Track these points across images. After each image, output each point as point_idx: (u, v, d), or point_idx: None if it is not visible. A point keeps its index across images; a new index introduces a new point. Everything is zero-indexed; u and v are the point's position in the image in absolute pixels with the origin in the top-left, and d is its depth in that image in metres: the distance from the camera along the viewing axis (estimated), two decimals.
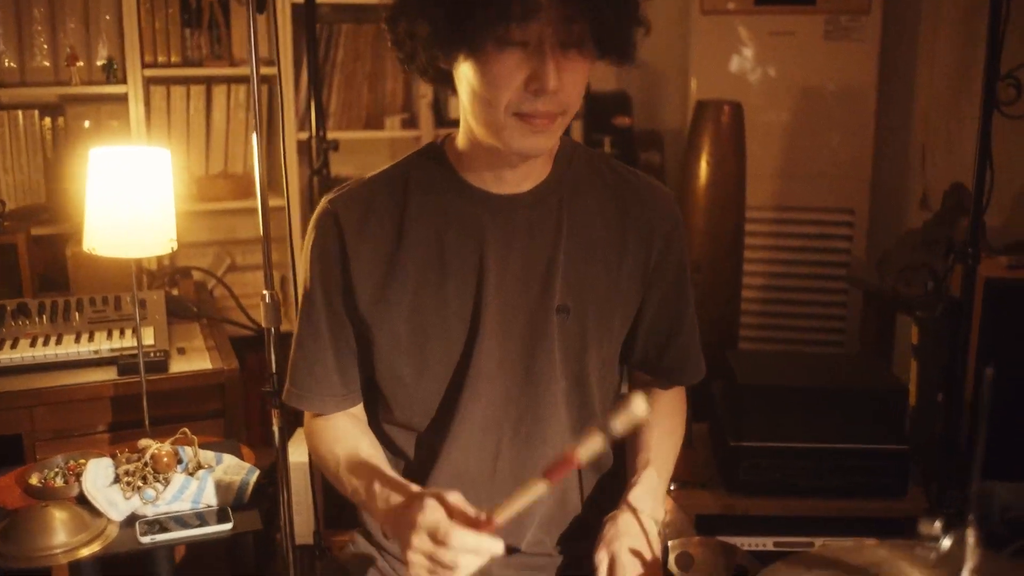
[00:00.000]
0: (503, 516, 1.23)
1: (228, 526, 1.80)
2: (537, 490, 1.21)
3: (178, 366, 2.32)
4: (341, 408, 1.48)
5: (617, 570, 1.30)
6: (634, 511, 1.38)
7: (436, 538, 1.19)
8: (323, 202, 1.43)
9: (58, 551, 1.73)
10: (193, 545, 2.06)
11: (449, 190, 1.40)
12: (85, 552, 1.73)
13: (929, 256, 3.10)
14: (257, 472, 1.94)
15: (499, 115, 1.25)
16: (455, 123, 3.51)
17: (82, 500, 1.85)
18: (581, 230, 1.41)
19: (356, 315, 1.40)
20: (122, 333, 2.39)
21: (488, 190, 1.39)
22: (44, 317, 2.42)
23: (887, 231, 3.72)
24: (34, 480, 1.92)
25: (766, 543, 2.42)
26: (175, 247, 1.97)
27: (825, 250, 3.67)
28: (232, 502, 1.87)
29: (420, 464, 1.46)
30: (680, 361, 1.53)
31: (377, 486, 1.34)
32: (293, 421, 2.12)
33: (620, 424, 1.17)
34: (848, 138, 3.62)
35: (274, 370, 1.98)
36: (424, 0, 1.23)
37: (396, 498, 1.30)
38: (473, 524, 1.21)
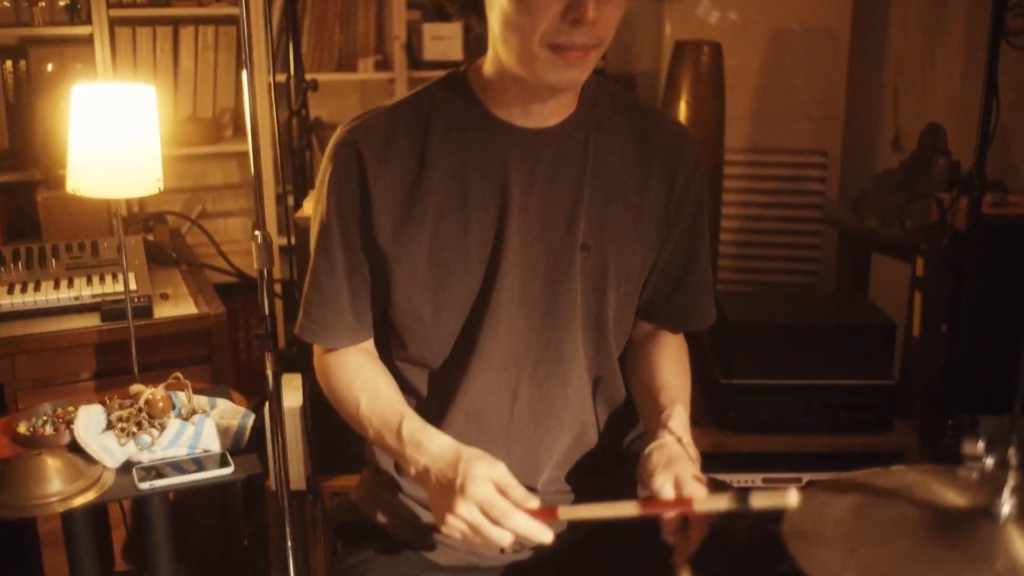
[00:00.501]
0: (570, 515, 1.23)
1: (229, 470, 1.78)
2: (624, 510, 1.20)
3: (163, 311, 2.27)
4: (355, 343, 1.45)
5: (685, 488, 1.26)
6: (679, 439, 1.36)
7: (490, 514, 1.18)
8: (341, 131, 1.38)
9: (53, 499, 1.69)
10: (182, 492, 2.03)
11: (473, 121, 1.35)
12: (81, 500, 1.70)
13: (906, 195, 3.12)
14: (253, 416, 1.91)
15: (532, 45, 1.21)
16: (429, 65, 3.45)
17: (73, 448, 1.82)
18: (605, 168, 1.38)
19: (374, 249, 1.36)
20: (102, 279, 2.33)
21: (514, 123, 1.34)
22: (19, 264, 2.34)
23: (860, 173, 3.74)
24: (22, 428, 1.87)
25: (755, 480, 2.44)
26: (162, 187, 1.91)
27: (799, 192, 3.68)
28: (230, 446, 1.84)
29: (434, 403, 1.43)
30: (691, 303, 1.51)
31: (406, 433, 1.31)
32: (285, 367, 2.09)
33: (760, 501, 1.12)
34: (821, 81, 3.62)
35: (267, 313, 1.95)
36: None
37: (429, 448, 1.29)
38: (538, 513, 1.21)
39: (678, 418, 1.40)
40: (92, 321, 2.21)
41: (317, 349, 1.50)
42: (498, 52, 1.29)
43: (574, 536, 1.44)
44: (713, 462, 2.38)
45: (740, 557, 1.45)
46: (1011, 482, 0.99)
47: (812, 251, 3.73)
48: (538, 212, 1.36)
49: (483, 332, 1.37)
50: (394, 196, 1.34)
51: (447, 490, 1.22)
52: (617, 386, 1.50)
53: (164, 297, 2.34)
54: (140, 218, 2.82)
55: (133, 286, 2.27)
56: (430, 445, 1.29)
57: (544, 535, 1.20)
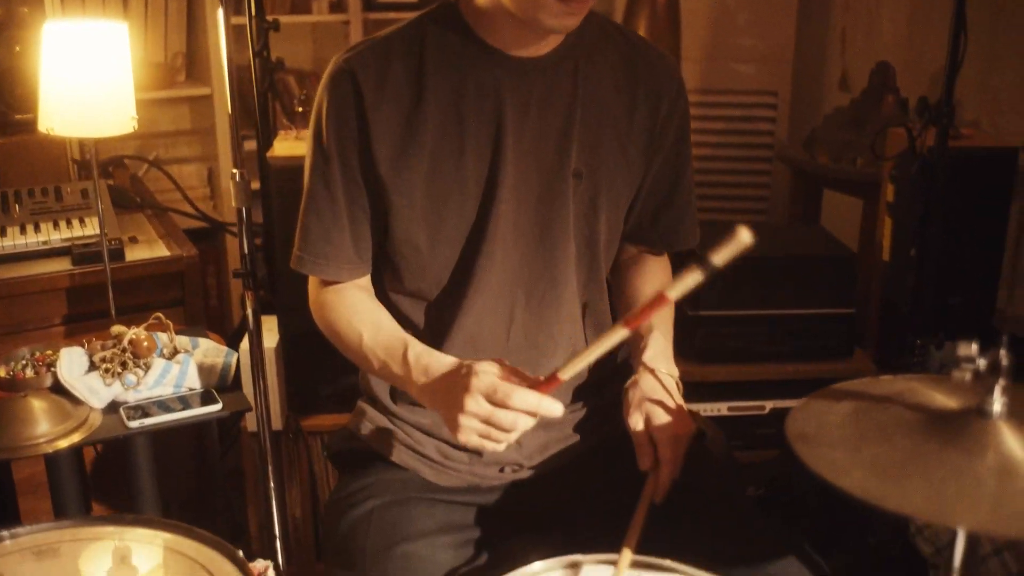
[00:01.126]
0: (569, 372, 1.24)
1: (217, 407, 1.79)
2: (616, 338, 1.22)
3: (134, 255, 2.24)
4: (354, 277, 1.46)
5: (653, 424, 1.33)
6: (652, 371, 1.41)
7: (494, 400, 1.20)
8: (337, 61, 1.38)
9: (41, 440, 1.68)
10: (158, 433, 2.02)
11: (467, 52, 1.36)
12: (69, 440, 1.70)
13: (857, 133, 3.21)
14: (236, 355, 1.92)
15: None
16: (384, 7, 3.40)
17: (56, 390, 1.81)
18: (594, 95, 1.41)
19: (374, 178, 1.37)
20: (69, 223, 2.30)
21: (507, 52, 1.36)
22: None
23: (808, 112, 3.82)
24: (2, 372, 1.85)
25: (720, 408, 2.52)
26: (136, 125, 1.89)
27: (750, 131, 3.74)
28: (216, 384, 1.85)
29: (431, 333, 1.45)
30: (676, 224, 1.55)
31: (412, 358, 1.33)
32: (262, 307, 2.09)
33: (722, 256, 1.12)
34: (771, 23, 3.67)
35: (246, 251, 1.96)
36: None
37: (436, 369, 1.31)
38: (533, 384, 1.23)
39: (653, 347, 1.46)
40: (63, 265, 2.19)
41: (313, 286, 1.51)
42: None
43: (564, 460, 1.49)
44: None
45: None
46: (1002, 382, 1.05)
47: (762, 189, 3.81)
48: (532, 140, 1.38)
49: (480, 259, 1.40)
50: (391, 126, 1.36)
51: (454, 395, 1.24)
52: (605, 311, 1.55)
53: (133, 240, 2.32)
54: (98, 163, 2.76)
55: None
56: (438, 366, 1.31)
57: (554, 408, 1.22)
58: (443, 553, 1.36)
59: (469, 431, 1.23)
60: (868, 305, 2.75)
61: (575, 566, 1.24)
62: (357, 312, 1.44)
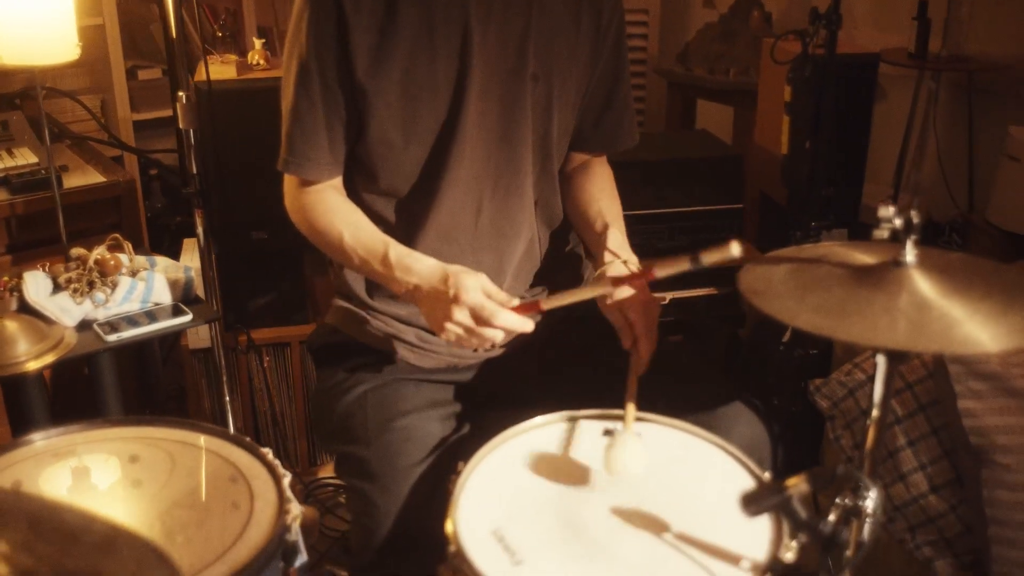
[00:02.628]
0: (550, 305, 1.43)
1: (188, 317, 1.89)
2: (598, 290, 1.41)
3: (71, 182, 2.28)
4: (332, 176, 1.59)
5: (629, 309, 1.53)
6: (617, 256, 1.61)
7: (480, 317, 1.37)
8: None
9: (23, 359, 1.76)
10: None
11: None
12: (50, 358, 1.78)
13: (728, 46, 3.46)
14: (193, 269, 2.02)
15: None
16: None
17: (22, 312, 1.87)
18: (547, 6, 1.57)
19: (352, 84, 1.50)
20: None
21: None
22: None
23: (677, 29, 4.06)
24: None
25: None
26: (79, 52, 1.94)
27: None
28: (180, 297, 1.95)
29: (404, 228, 1.60)
30: (617, 125, 1.75)
31: (393, 258, 1.48)
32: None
33: (710, 258, 1.31)
34: None
35: (195, 171, 2.05)
36: None
37: (417, 270, 1.46)
38: (521, 307, 1.41)
39: (614, 239, 1.66)
40: (0, 196, 2.21)
41: (291, 189, 1.63)
42: None
43: (529, 338, 1.68)
44: None
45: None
46: (912, 237, 1.29)
47: (639, 102, 4.05)
48: (495, 46, 1.54)
49: (451, 155, 1.55)
50: (369, 33, 1.48)
51: (441, 302, 1.41)
52: (556, 207, 1.73)
53: (64, 169, 2.35)
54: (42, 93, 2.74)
55: (33, 159, 2.27)
56: (419, 267, 1.47)
57: (527, 325, 1.42)
58: (433, 425, 1.54)
59: (452, 334, 1.41)
60: (748, 201, 3.03)
61: (572, 420, 1.43)
62: (337, 212, 1.57)
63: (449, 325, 1.41)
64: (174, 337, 2.36)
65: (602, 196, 1.72)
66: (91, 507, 1.25)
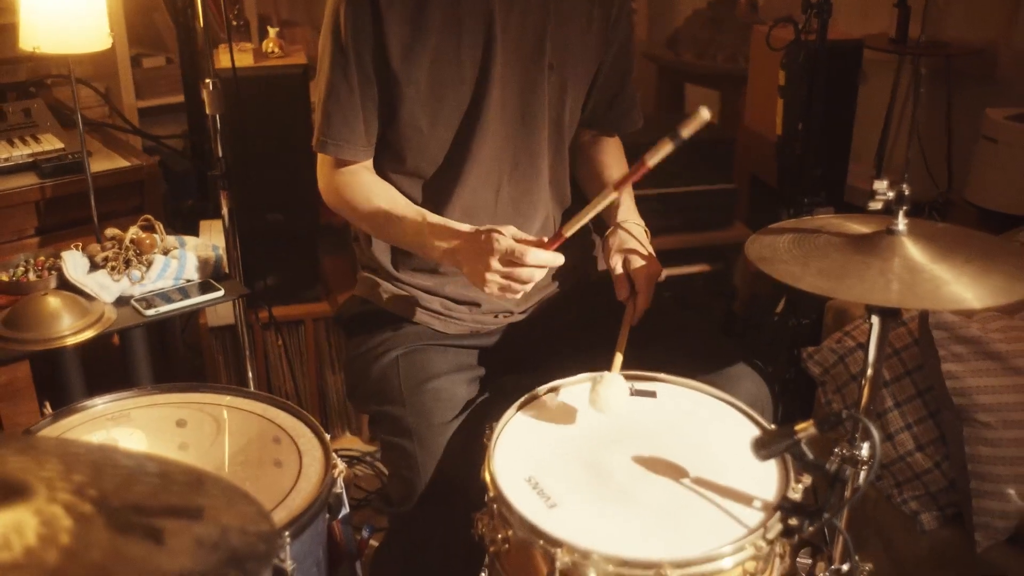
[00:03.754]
0: (571, 230, 1.54)
1: (220, 293, 2.00)
2: (608, 200, 1.52)
3: (97, 166, 2.38)
4: (365, 157, 1.70)
5: (630, 265, 1.66)
6: (624, 221, 1.74)
7: (513, 259, 1.47)
8: None
9: (67, 333, 1.86)
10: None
11: None
12: (93, 332, 1.88)
13: (715, 32, 3.59)
14: (220, 247, 2.12)
15: None
16: None
17: (62, 289, 1.97)
18: (562, 2, 1.68)
19: (387, 70, 1.61)
20: (24, 141, 2.40)
21: None
22: None
23: (665, 13, 4.18)
24: (3, 277, 1.99)
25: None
26: (112, 41, 2.03)
27: None
28: (211, 274, 2.05)
29: (429, 206, 1.70)
30: (625, 109, 1.87)
31: (432, 222, 1.60)
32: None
33: (688, 129, 1.42)
34: None
35: (220, 155, 2.15)
36: None
37: (453, 235, 1.56)
38: (541, 244, 1.51)
39: (624, 204, 1.78)
40: (29, 180, 2.30)
41: (326, 170, 1.73)
42: None
43: (546, 304, 1.80)
44: None
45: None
46: (904, 208, 1.42)
47: None
48: (515, 38, 1.65)
49: (474, 138, 1.67)
50: (402, 24, 1.59)
51: (479, 256, 1.51)
52: (566, 187, 1.85)
53: (89, 154, 2.44)
54: (18, 87, 2.83)
55: (60, 144, 2.37)
56: (455, 232, 1.58)
57: (557, 259, 1.51)
58: (460, 388, 1.66)
59: (493, 284, 1.51)
60: (738, 182, 3.16)
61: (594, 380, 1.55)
62: (372, 190, 1.69)
63: (489, 275, 1.50)
64: (191, 315, 2.46)
65: (613, 166, 1.85)
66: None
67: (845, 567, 1.66)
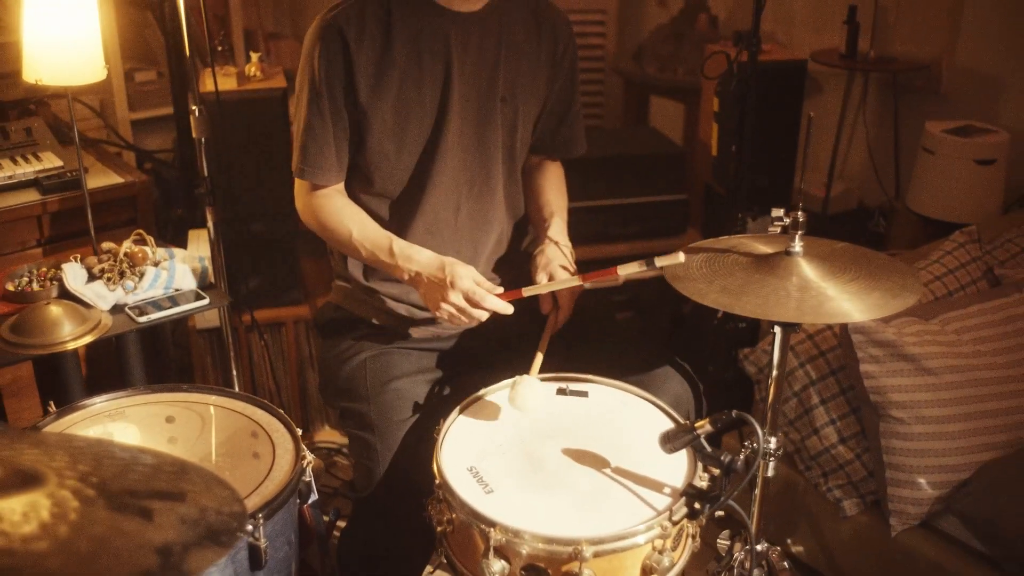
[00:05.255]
0: (529, 292, 1.77)
1: (205, 302, 2.21)
2: (571, 282, 1.75)
3: (93, 182, 2.57)
4: (337, 181, 1.90)
5: (556, 277, 1.87)
6: (555, 242, 1.95)
7: (471, 300, 1.71)
8: (325, 17, 1.80)
9: (68, 339, 2.06)
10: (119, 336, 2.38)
11: (422, 8, 1.82)
12: (91, 337, 2.08)
13: (677, 46, 3.79)
14: (207, 258, 2.32)
15: None
16: None
17: (62, 298, 2.17)
18: (512, 39, 1.89)
19: (356, 105, 1.81)
20: (26, 159, 2.60)
21: (451, 8, 1.82)
22: None
23: (633, 28, 4.38)
24: (11, 287, 2.19)
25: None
26: (107, 73, 2.23)
27: (584, 46, 4.27)
28: (198, 283, 2.26)
29: (396, 222, 1.92)
30: (569, 136, 2.08)
31: (397, 249, 1.81)
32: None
33: (662, 262, 1.65)
34: None
35: (206, 174, 2.35)
36: None
37: (417, 260, 1.79)
38: (499, 294, 1.74)
39: (555, 226, 2.00)
40: (31, 196, 2.50)
41: (303, 193, 1.94)
42: None
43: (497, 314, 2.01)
44: None
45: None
46: (800, 232, 1.63)
47: (597, 97, 4.37)
48: (470, 74, 1.86)
49: (435, 164, 1.88)
50: (368, 65, 1.80)
51: (438, 286, 1.74)
52: (519, 202, 2.06)
53: (85, 170, 2.64)
54: (17, 104, 3.02)
55: (59, 162, 2.57)
56: (419, 257, 1.80)
57: (508, 309, 1.76)
58: (420, 387, 1.87)
59: (445, 313, 1.75)
60: (694, 191, 3.37)
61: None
62: (344, 213, 1.89)
63: (444, 305, 1.74)
64: (181, 319, 2.65)
65: (551, 190, 2.06)
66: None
67: (760, 547, 1.88)
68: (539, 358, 1.78)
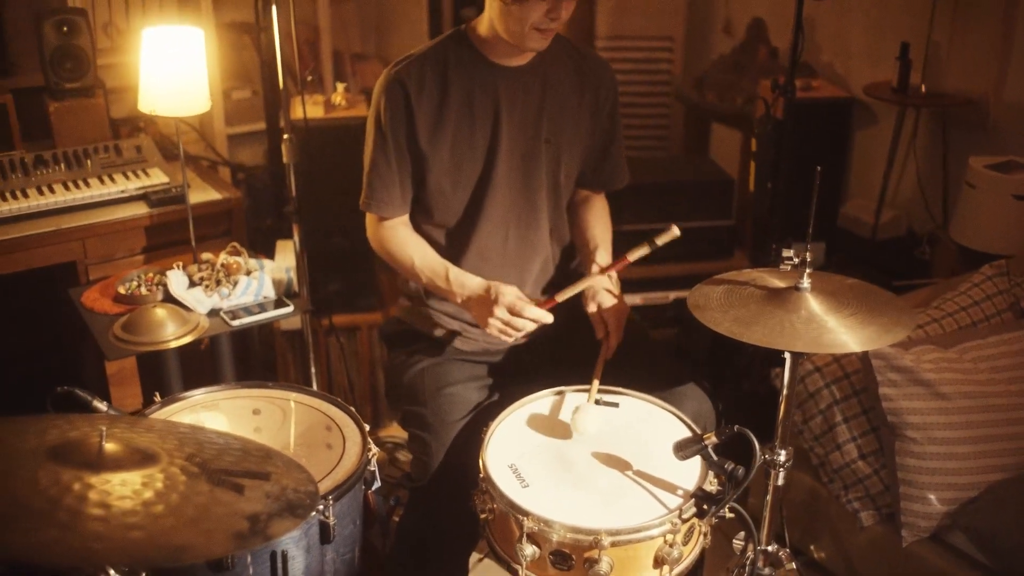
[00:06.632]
0: (563, 297, 2.02)
1: (290, 309, 2.50)
2: (593, 279, 2.00)
3: (194, 197, 2.89)
4: (401, 213, 2.18)
5: (603, 308, 2.11)
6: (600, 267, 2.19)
7: (514, 311, 1.98)
8: (389, 72, 2.08)
9: (171, 338, 2.37)
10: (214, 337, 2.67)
11: (475, 64, 2.09)
12: (191, 337, 2.38)
13: (738, 76, 3.99)
14: (293, 268, 2.62)
15: (525, 28, 1.95)
16: None
17: (165, 301, 2.48)
18: (557, 89, 2.15)
19: (417, 148, 2.09)
20: (136, 174, 2.93)
21: (500, 63, 2.09)
22: (61, 166, 2.91)
23: (699, 55, 4.58)
24: (122, 290, 2.51)
25: (636, 299, 3.33)
26: (211, 105, 2.54)
27: (652, 71, 4.49)
28: (284, 292, 2.55)
29: (452, 249, 2.19)
30: (611, 171, 2.32)
31: (452, 277, 2.09)
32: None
33: (661, 240, 1.96)
34: None
35: (294, 194, 2.64)
36: None
37: (469, 285, 2.06)
38: (540, 304, 2.00)
39: (600, 255, 2.23)
40: (140, 208, 2.83)
41: (372, 225, 2.21)
42: (495, 26, 2.01)
43: (544, 331, 2.26)
44: None
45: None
46: (808, 270, 1.85)
47: (663, 119, 4.58)
48: (518, 119, 2.12)
49: (486, 198, 2.14)
50: (429, 113, 2.07)
51: (486, 305, 2.01)
52: (564, 231, 2.31)
53: (187, 186, 2.96)
54: (127, 121, 3.36)
55: (165, 178, 2.89)
56: (469, 282, 2.07)
57: (548, 317, 2.02)
58: (472, 394, 2.13)
59: (493, 327, 2.01)
60: (745, 217, 3.57)
61: (560, 393, 2.02)
62: (407, 243, 2.17)
63: (492, 320, 2.00)
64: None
65: (596, 224, 2.31)
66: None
67: (771, 548, 2.10)
68: (595, 384, 2.03)
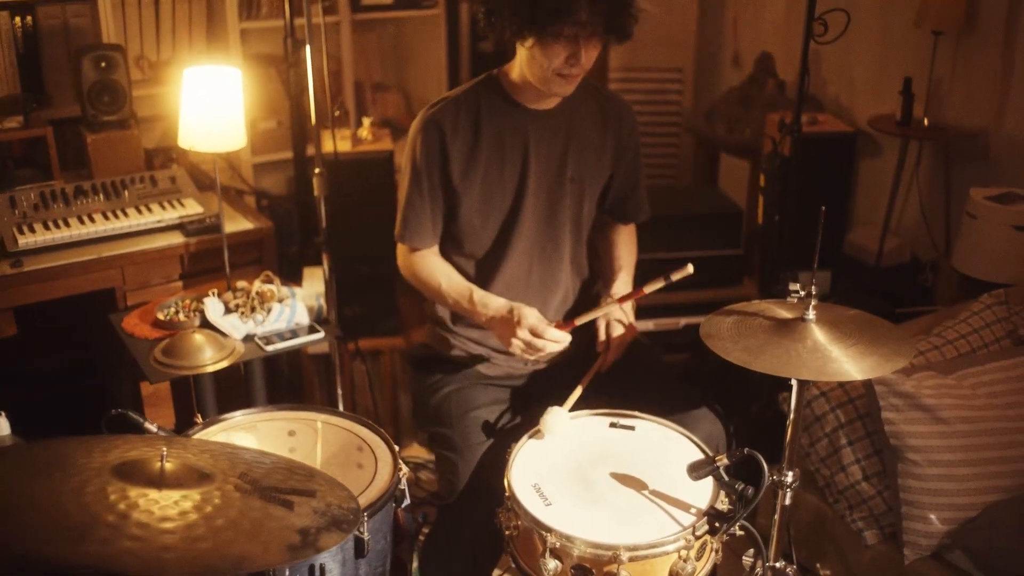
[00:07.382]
0: (580, 322, 2.16)
1: (320, 335, 2.63)
2: (608, 308, 2.14)
3: (227, 227, 3.02)
4: (431, 245, 2.31)
5: (613, 330, 2.25)
6: (616, 300, 2.32)
7: (535, 333, 2.10)
8: (425, 114, 2.22)
9: (208, 363, 2.50)
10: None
11: (506, 107, 2.23)
12: (227, 362, 2.51)
13: (746, 109, 4.12)
14: (323, 295, 2.75)
15: (548, 73, 2.09)
16: (368, 8, 4.15)
17: (202, 327, 2.61)
18: (581, 130, 2.28)
19: (449, 186, 2.22)
20: (172, 204, 3.07)
21: (529, 107, 2.23)
22: (100, 196, 3.05)
23: (708, 87, 4.72)
24: (161, 316, 2.64)
25: (648, 324, 3.45)
26: (246, 142, 2.68)
27: (662, 102, 4.63)
28: (314, 319, 2.68)
29: (480, 279, 2.32)
30: (636, 205, 2.46)
31: (476, 298, 2.21)
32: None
33: (676, 276, 2.09)
34: (678, 10, 4.53)
35: (324, 224, 2.77)
36: (517, 7, 2.00)
37: (493, 307, 2.19)
38: (559, 326, 2.13)
39: (621, 280, 2.36)
40: (176, 237, 2.97)
41: (403, 254, 2.35)
42: (524, 71, 2.15)
43: (562, 357, 2.38)
44: None
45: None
46: (813, 302, 1.97)
47: (672, 148, 4.72)
48: (544, 159, 2.25)
49: (513, 232, 2.27)
50: (462, 153, 2.21)
51: (509, 325, 2.13)
52: (584, 266, 2.44)
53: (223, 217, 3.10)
54: (159, 152, 3.51)
55: (200, 208, 3.03)
56: (493, 303, 2.20)
57: (566, 338, 2.15)
58: (496, 416, 2.26)
59: (516, 348, 2.13)
60: (754, 246, 3.70)
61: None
62: (436, 269, 2.30)
63: (514, 340, 2.13)
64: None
65: (623, 245, 2.45)
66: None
67: (779, 564, 2.21)
68: (578, 391, 2.16)
